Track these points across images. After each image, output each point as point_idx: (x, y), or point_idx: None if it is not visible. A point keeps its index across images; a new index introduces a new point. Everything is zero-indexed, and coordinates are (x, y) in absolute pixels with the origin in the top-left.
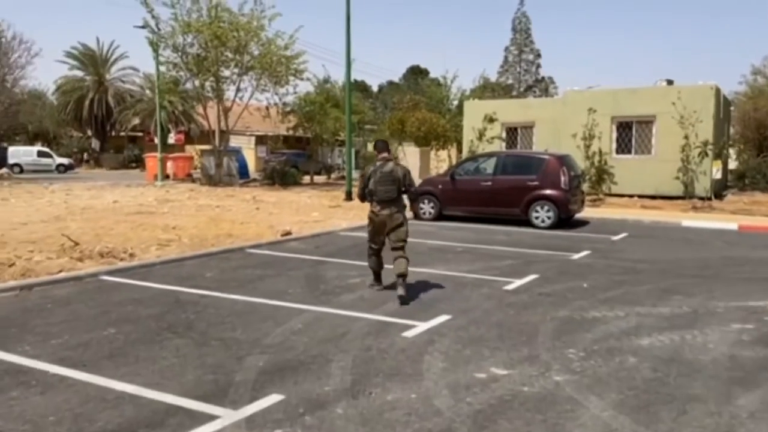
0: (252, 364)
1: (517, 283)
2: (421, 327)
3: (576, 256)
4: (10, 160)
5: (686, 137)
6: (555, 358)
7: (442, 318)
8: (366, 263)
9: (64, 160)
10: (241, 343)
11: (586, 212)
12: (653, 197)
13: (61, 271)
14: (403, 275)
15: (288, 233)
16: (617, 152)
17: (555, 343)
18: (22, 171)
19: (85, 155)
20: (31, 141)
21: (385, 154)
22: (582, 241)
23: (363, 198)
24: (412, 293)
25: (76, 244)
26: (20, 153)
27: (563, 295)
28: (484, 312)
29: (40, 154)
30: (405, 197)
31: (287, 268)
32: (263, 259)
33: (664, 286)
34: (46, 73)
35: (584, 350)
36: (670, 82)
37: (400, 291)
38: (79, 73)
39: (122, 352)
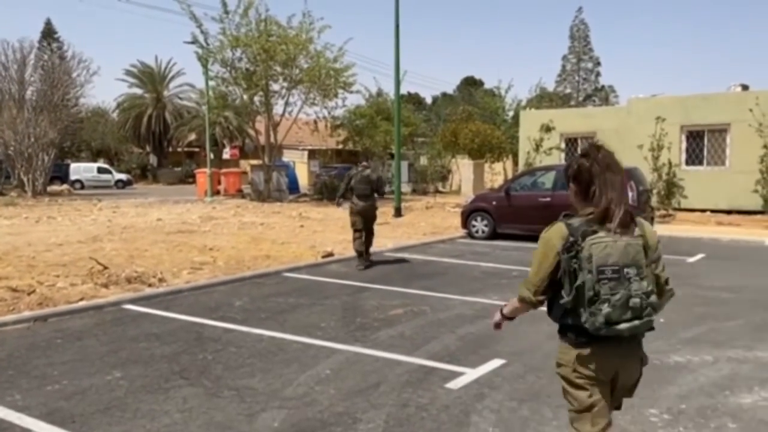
0: (265, 424)
1: None
2: (470, 375)
3: None
4: (72, 177)
5: (765, 146)
6: (633, 421)
7: (495, 363)
8: (408, 290)
9: (123, 176)
10: (258, 395)
11: (656, 230)
12: (728, 212)
13: (81, 299)
14: (368, 249)
15: (329, 254)
16: (687, 164)
17: (632, 400)
18: (83, 187)
19: (145, 171)
20: (94, 157)
21: (364, 163)
22: None
23: (343, 194)
24: (461, 329)
25: (105, 267)
26: (81, 169)
27: None
28: (545, 355)
29: (100, 170)
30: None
31: (324, 295)
32: (299, 284)
33: (757, 321)
34: (108, 92)
35: (669, 411)
36: (745, 88)
37: (369, 256)
38: (138, 91)
39: (121, 403)
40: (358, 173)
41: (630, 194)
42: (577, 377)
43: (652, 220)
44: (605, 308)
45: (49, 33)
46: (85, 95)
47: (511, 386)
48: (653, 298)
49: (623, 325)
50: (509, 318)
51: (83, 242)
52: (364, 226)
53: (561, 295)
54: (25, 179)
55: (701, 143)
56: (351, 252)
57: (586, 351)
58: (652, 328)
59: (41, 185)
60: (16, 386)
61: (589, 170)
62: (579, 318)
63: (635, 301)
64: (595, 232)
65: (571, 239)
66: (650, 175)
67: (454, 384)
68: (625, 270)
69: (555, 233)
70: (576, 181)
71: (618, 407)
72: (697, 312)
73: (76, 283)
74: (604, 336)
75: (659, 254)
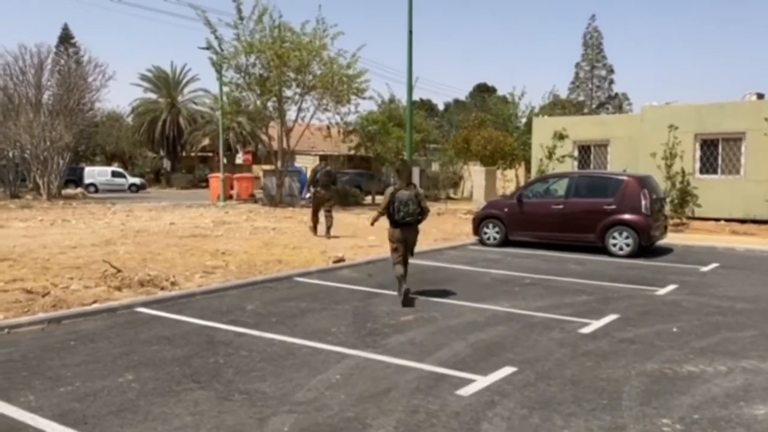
0: (275, 428)
1: (595, 325)
2: (480, 382)
3: (661, 292)
4: (86, 180)
5: None
6: (646, 430)
7: (506, 370)
8: (419, 296)
9: (136, 180)
10: (268, 399)
11: (669, 238)
12: (743, 221)
13: (95, 302)
14: (330, 227)
15: (340, 260)
16: (701, 172)
17: (644, 410)
18: (97, 190)
19: (158, 175)
20: (108, 161)
21: (325, 161)
22: (667, 272)
23: (312, 185)
24: (471, 336)
25: (119, 270)
26: (95, 173)
27: (650, 342)
28: (556, 363)
29: (114, 174)
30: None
31: (335, 300)
32: (310, 289)
33: None
34: (123, 96)
35: (682, 421)
36: (760, 96)
37: (329, 233)
38: (153, 96)
39: (133, 405)
40: (322, 169)
41: (643, 202)
42: (392, 239)
43: (665, 229)
44: (401, 213)
45: (66, 38)
46: (100, 99)
47: (521, 394)
48: (417, 211)
49: (407, 219)
50: (376, 219)
51: (97, 245)
52: (319, 206)
53: (390, 210)
54: (40, 182)
55: (715, 152)
56: (363, 257)
57: (397, 229)
58: (419, 221)
59: (56, 188)
60: (31, 387)
61: (398, 171)
62: (393, 217)
63: (410, 212)
64: (399, 189)
65: (394, 192)
66: (664, 183)
67: (465, 391)
68: (407, 201)
69: (389, 190)
70: (397, 174)
71: (412, 254)
72: (710, 321)
73: (89, 286)
74: (401, 223)
75: (422, 197)
